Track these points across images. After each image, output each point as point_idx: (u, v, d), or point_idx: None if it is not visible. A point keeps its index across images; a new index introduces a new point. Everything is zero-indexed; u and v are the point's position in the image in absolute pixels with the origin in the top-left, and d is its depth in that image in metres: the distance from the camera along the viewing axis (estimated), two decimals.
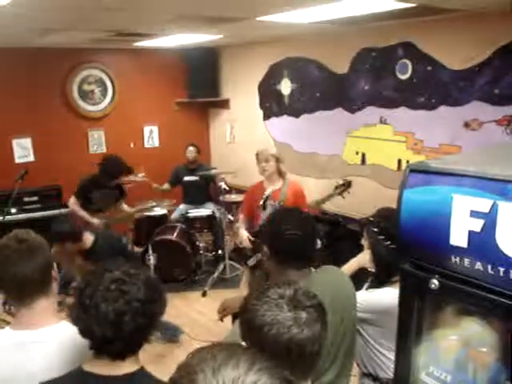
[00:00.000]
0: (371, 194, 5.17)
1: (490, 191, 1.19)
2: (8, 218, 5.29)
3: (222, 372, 0.78)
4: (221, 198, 6.06)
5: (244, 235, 4.35)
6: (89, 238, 3.58)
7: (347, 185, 4.49)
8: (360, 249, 2.66)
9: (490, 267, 1.22)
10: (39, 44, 5.71)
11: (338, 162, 5.68)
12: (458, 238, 1.25)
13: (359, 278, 2.56)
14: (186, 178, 6.45)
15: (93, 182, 5.21)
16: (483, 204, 1.19)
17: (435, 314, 1.48)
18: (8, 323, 2.51)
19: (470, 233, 1.23)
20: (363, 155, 5.41)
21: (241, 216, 4.69)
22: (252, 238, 4.23)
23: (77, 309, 1.39)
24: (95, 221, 5.13)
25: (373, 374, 2.48)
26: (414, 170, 1.36)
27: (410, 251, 1.40)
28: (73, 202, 5.23)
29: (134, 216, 5.76)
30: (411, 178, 1.36)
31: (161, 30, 4.84)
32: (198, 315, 5.12)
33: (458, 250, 1.26)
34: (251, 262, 3.97)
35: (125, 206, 5.66)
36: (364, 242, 2.59)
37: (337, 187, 4.42)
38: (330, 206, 5.63)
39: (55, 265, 1.80)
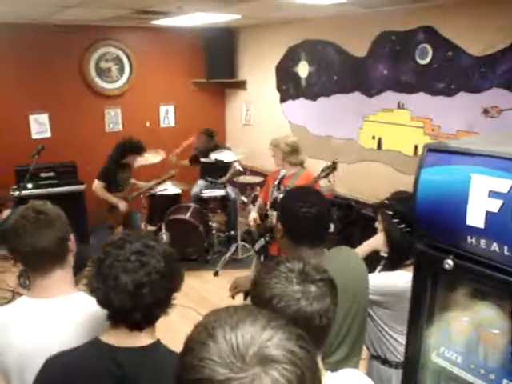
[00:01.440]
0: (386, 180, 5.14)
1: (509, 171, 1.18)
2: (24, 192, 5.34)
3: (241, 327, 0.80)
4: (235, 179, 6.07)
5: (251, 217, 4.41)
6: (6, 212, 3.45)
7: (332, 167, 4.29)
8: (373, 233, 2.65)
9: (506, 248, 1.22)
10: (57, 20, 5.71)
11: (353, 147, 5.64)
12: (475, 218, 1.24)
13: (372, 261, 2.56)
14: (203, 160, 6.47)
15: (116, 165, 5.32)
16: (502, 184, 1.18)
17: (448, 295, 1.49)
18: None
19: (488, 213, 1.22)
20: (379, 140, 5.36)
21: (259, 199, 4.73)
22: (259, 222, 4.26)
23: (95, 278, 1.40)
24: (122, 205, 5.33)
25: (382, 356, 2.49)
26: (432, 149, 1.35)
27: (425, 231, 1.40)
28: (97, 185, 5.28)
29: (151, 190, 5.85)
30: (429, 158, 1.35)
31: (178, 9, 4.80)
32: (210, 294, 5.16)
33: (474, 231, 1.26)
34: (257, 245, 4.00)
35: (139, 182, 5.78)
36: (378, 225, 2.57)
37: (323, 170, 4.27)
38: (343, 190, 5.62)
39: (72, 236, 1.81)
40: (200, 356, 0.79)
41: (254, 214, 4.44)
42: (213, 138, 6.53)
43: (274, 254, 3.82)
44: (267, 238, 3.86)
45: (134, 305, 1.37)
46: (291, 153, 4.27)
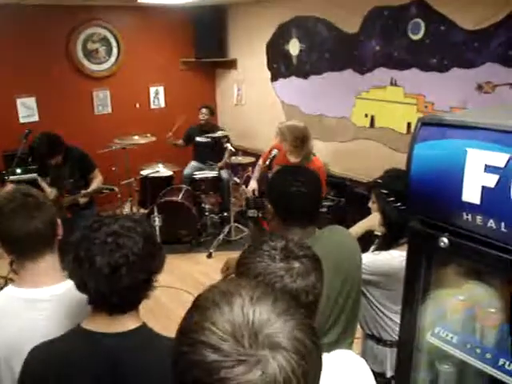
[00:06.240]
0: (379, 158, 5.10)
1: (506, 144, 1.13)
2: (13, 178, 5.27)
3: (260, 305, 0.77)
4: (228, 160, 6.02)
5: (251, 187, 4.51)
6: None
7: None
8: (366, 212, 2.61)
9: (503, 225, 1.18)
10: (42, 0, 5.58)
11: (346, 125, 5.58)
12: (471, 194, 1.20)
13: (365, 241, 2.52)
14: (198, 139, 6.41)
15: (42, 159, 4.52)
16: (498, 158, 1.14)
17: (443, 273, 1.45)
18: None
19: (484, 189, 1.18)
20: (372, 118, 5.31)
21: (259, 162, 4.75)
22: (256, 194, 4.31)
23: (72, 262, 1.36)
24: (48, 190, 4.49)
25: (376, 335, 2.48)
26: (426, 123, 1.30)
27: (419, 208, 1.35)
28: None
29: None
30: (423, 132, 1.30)
31: None
32: (203, 276, 5.13)
33: (470, 207, 1.21)
34: (250, 213, 4.05)
35: (93, 185, 4.65)
36: (371, 204, 2.53)
37: None
38: (336, 169, 5.59)
39: (59, 220, 1.77)
40: (212, 319, 0.75)
41: (254, 185, 4.51)
42: (213, 114, 6.50)
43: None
44: (260, 214, 3.91)
45: (111, 288, 1.32)
46: (300, 145, 4.07)
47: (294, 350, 0.73)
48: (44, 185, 4.59)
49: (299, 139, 4.07)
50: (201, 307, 0.79)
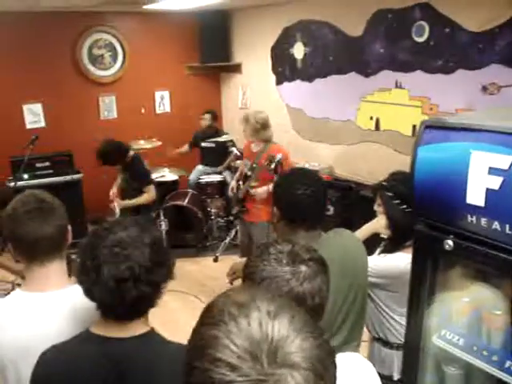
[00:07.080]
0: (385, 160, 5.09)
1: (510, 146, 1.13)
2: (20, 183, 5.30)
3: (278, 320, 0.74)
4: (232, 163, 6.04)
5: (231, 186, 4.84)
6: None
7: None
8: (372, 215, 2.60)
9: (508, 227, 1.18)
10: (47, 8, 5.61)
11: (351, 128, 5.58)
12: (475, 196, 1.20)
13: (371, 243, 2.52)
14: (203, 144, 6.44)
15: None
16: (502, 160, 1.14)
17: (449, 276, 1.45)
18: None
19: (488, 191, 1.18)
20: (377, 120, 5.30)
21: (240, 168, 4.97)
22: (235, 191, 4.63)
23: (80, 270, 1.36)
24: (115, 201, 4.79)
25: (383, 338, 2.47)
26: (430, 126, 1.30)
27: (424, 211, 1.36)
28: None
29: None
30: (426, 135, 1.30)
31: None
32: (210, 280, 5.14)
33: (474, 209, 1.21)
34: (233, 210, 4.58)
35: (143, 196, 4.82)
36: (376, 207, 2.54)
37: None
38: (342, 172, 5.58)
39: (69, 227, 1.77)
40: (230, 335, 0.72)
41: (233, 183, 4.81)
42: (216, 119, 6.52)
43: (248, 220, 4.44)
44: (240, 208, 4.44)
45: (117, 301, 1.32)
46: (260, 129, 4.35)
47: (313, 368, 0.71)
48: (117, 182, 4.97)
49: (261, 122, 4.34)
50: (216, 320, 0.76)
